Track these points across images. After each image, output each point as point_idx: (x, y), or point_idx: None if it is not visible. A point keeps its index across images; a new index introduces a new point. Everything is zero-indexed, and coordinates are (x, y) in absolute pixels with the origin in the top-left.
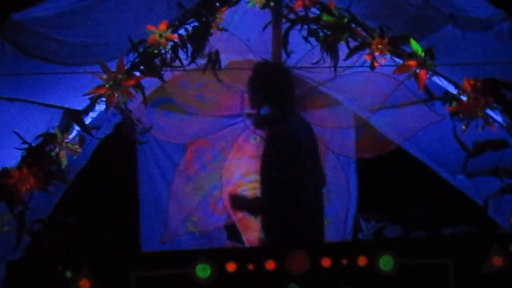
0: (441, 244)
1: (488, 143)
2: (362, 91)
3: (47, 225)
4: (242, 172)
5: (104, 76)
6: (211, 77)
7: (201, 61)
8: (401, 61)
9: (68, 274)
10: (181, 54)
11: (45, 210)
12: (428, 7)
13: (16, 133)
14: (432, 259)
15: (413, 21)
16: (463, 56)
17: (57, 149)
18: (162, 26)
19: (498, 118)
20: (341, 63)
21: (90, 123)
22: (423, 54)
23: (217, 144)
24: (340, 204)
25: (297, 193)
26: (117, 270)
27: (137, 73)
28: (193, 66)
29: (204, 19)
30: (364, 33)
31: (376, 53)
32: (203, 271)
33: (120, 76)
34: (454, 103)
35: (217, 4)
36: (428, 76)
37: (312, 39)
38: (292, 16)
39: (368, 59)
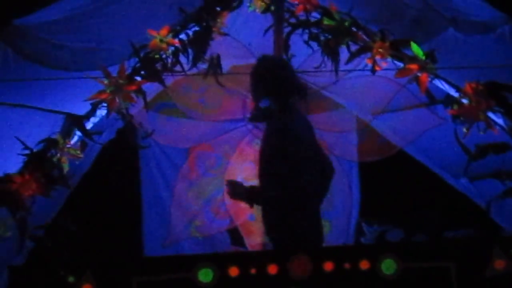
0: (443, 248)
1: (490, 146)
2: (364, 95)
3: (50, 230)
4: (245, 176)
5: (106, 81)
6: (212, 82)
7: (203, 66)
8: (402, 65)
9: (71, 279)
10: (182, 59)
11: (48, 215)
12: (429, 10)
13: (18, 138)
14: (434, 262)
15: (414, 25)
16: (465, 59)
17: (59, 155)
18: (163, 31)
19: (500, 121)
20: (342, 67)
21: (92, 128)
22: (424, 57)
23: (220, 148)
24: (342, 208)
25: (295, 184)
26: (120, 275)
27: (139, 78)
28: (194, 70)
29: (205, 24)
30: (365, 37)
31: (378, 57)
32: (205, 275)
33: (121, 81)
34: (455, 106)
35: (218, 8)
36: (430, 79)
37: (313, 43)
38: (293, 20)
39: (369, 63)
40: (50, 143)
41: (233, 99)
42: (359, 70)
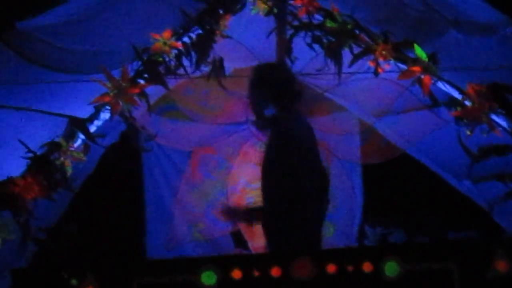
0: (446, 249)
1: (492, 148)
2: (366, 97)
3: (53, 233)
4: (248, 179)
5: (109, 84)
6: (215, 85)
7: (206, 69)
8: (405, 67)
9: (73, 282)
10: (185, 62)
11: (52, 218)
12: (431, 12)
13: (21, 141)
14: (437, 264)
15: (417, 26)
16: (467, 61)
17: (62, 158)
18: (166, 33)
19: (503, 123)
20: (345, 69)
21: (95, 131)
22: (427, 59)
23: (223, 151)
24: (345, 210)
25: (298, 192)
26: (123, 278)
27: (142, 81)
28: (197, 73)
29: (208, 27)
30: (367, 39)
31: (380, 59)
32: (208, 278)
33: (124, 84)
34: (458, 108)
35: (221, 11)
36: (432, 81)
37: (316, 46)
38: (296, 23)
39: (372, 65)
40: (53, 146)
41: (236, 102)
42: (362, 72)
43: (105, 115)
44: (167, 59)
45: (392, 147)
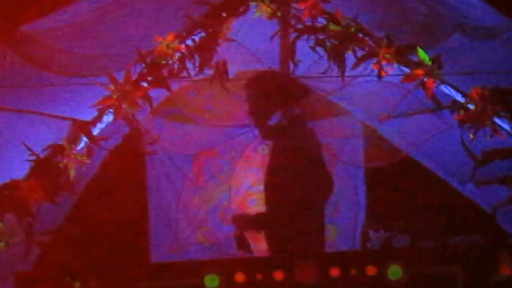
0: (449, 253)
1: (496, 152)
2: (370, 100)
3: (56, 236)
4: (251, 181)
5: (112, 87)
6: (219, 88)
7: (209, 72)
8: (408, 70)
9: (77, 285)
10: (189, 65)
11: (55, 220)
12: (435, 16)
13: (24, 144)
14: (441, 268)
15: (420, 30)
16: (471, 65)
17: (65, 161)
18: (170, 37)
19: (506, 126)
20: (348, 72)
21: (99, 134)
22: (430, 63)
23: (226, 154)
24: (348, 214)
25: (302, 199)
26: (126, 281)
27: (145, 84)
28: (200, 76)
29: (211, 30)
30: (371, 43)
31: (383, 62)
32: (212, 281)
33: (127, 87)
34: (462, 112)
35: (224, 14)
36: (436, 85)
37: (319, 49)
38: (299, 26)
39: (375, 68)
40: (56, 149)
41: (239, 105)
42: (365, 76)
43: (108, 118)
44: (170, 62)
45: (396, 150)
